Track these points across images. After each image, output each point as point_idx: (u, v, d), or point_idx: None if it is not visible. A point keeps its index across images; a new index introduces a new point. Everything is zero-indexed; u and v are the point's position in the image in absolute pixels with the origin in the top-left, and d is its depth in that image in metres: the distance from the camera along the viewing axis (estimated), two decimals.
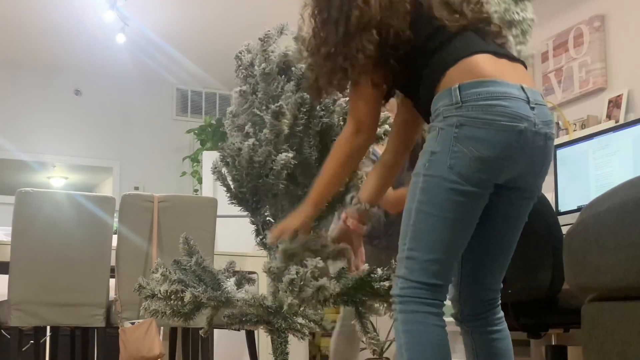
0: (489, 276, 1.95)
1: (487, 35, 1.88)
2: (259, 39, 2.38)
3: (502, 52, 1.84)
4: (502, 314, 1.98)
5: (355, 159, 2.04)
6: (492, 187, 1.78)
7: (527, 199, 1.90)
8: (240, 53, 2.43)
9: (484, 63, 1.76)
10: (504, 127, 1.71)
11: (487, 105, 1.71)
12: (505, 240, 1.94)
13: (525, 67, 1.91)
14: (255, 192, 2.35)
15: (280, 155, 2.26)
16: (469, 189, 1.73)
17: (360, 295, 2.40)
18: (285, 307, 2.12)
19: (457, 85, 1.73)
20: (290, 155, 2.25)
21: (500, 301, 1.98)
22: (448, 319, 4.05)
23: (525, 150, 1.75)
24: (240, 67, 2.42)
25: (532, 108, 1.75)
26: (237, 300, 2.32)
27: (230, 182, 2.38)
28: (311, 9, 1.95)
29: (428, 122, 1.85)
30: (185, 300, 2.25)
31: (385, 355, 4.76)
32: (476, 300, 1.95)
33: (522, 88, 1.76)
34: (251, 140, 2.28)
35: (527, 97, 1.75)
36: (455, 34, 1.82)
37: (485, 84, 1.73)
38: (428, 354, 1.76)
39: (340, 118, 2.37)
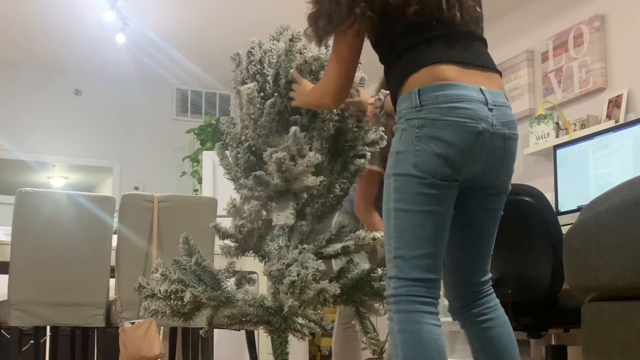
0: (470, 269, 1.98)
1: (471, 40, 1.92)
2: (290, 39, 2.37)
3: (470, 62, 1.87)
4: (494, 302, 2.00)
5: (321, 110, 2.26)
6: (456, 182, 1.84)
7: (493, 195, 1.96)
8: (253, 49, 2.41)
9: (445, 70, 1.82)
10: (463, 127, 1.78)
11: (445, 107, 1.78)
12: (480, 234, 1.98)
13: (500, 75, 1.97)
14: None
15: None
16: (436, 181, 1.80)
17: (360, 295, 2.40)
18: (285, 309, 2.12)
19: (417, 90, 1.81)
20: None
21: (491, 290, 2.01)
22: (448, 318, 4.05)
23: (484, 150, 1.81)
24: (252, 63, 2.40)
25: (491, 109, 1.81)
26: (237, 300, 2.32)
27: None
28: None
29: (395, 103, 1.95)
30: (185, 300, 2.25)
31: (385, 355, 4.76)
32: (462, 293, 2.00)
33: (481, 90, 1.82)
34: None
35: (486, 99, 1.81)
36: (427, 39, 1.87)
37: (444, 87, 1.80)
38: (423, 353, 1.79)
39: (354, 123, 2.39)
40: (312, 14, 1.98)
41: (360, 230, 2.30)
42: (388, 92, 2.18)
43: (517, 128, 1.91)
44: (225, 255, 2.36)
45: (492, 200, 1.96)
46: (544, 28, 4.18)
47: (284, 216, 2.18)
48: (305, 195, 2.29)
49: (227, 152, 2.49)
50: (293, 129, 2.25)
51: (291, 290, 2.08)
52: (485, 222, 1.97)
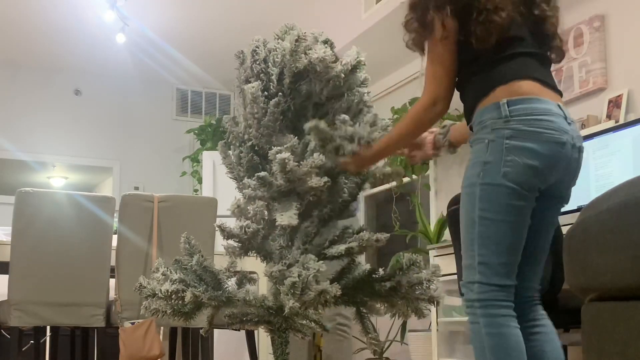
0: (528, 274, 2.07)
1: (547, 63, 2.08)
2: (296, 40, 2.36)
3: (546, 81, 2.01)
4: (543, 312, 2.09)
5: (426, 128, 2.17)
6: (538, 192, 1.95)
7: (559, 205, 2.07)
8: (258, 47, 2.40)
9: (531, 84, 1.96)
10: (549, 138, 1.91)
11: (533, 119, 1.90)
12: (541, 242, 2.08)
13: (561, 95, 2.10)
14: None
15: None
16: (524, 192, 1.91)
17: (361, 295, 2.39)
18: (286, 310, 2.12)
19: (505, 101, 1.92)
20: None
21: (539, 300, 2.11)
22: (449, 319, 4.06)
23: (565, 161, 1.95)
24: (257, 62, 2.39)
25: (569, 123, 1.96)
26: (238, 300, 2.32)
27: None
28: None
29: (467, 119, 2.06)
30: (186, 300, 2.25)
31: (385, 355, 4.76)
32: (517, 299, 2.04)
33: (559, 106, 1.97)
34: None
35: (564, 114, 1.96)
36: (522, 53, 2.00)
37: (530, 101, 1.92)
38: (512, 356, 1.90)
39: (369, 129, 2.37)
40: (409, 21, 2.11)
41: (364, 231, 2.30)
42: (452, 122, 2.32)
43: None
44: (230, 255, 2.35)
45: (556, 209, 2.08)
46: None
47: (287, 216, 2.18)
48: (309, 197, 2.29)
49: (229, 151, 2.48)
50: (314, 121, 2.24)
51: (292, 291, 2.08)
52: (546, 228, 2.07)
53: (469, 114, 2.05)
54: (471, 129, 2.05)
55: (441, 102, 2.03)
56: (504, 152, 1.89)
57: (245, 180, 2.30)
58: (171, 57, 6.67)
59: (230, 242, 2.33)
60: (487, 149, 1.92)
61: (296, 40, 2.35)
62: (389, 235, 2.31)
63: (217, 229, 2.29)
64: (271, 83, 2.38)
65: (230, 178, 2.48)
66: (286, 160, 2.15)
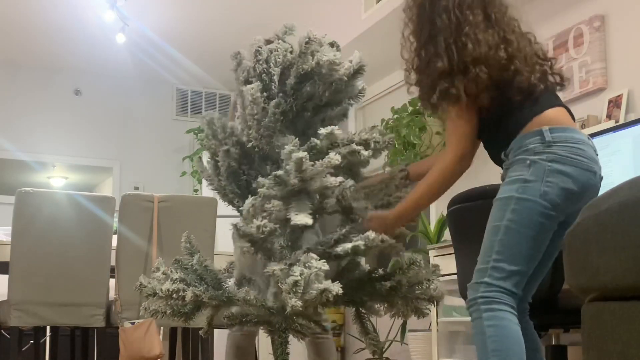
0: (526, 288, 2.17)
1: (556, 97, 2.24)
2: (306, 41, 2.36)
3: (572, 114, 2.21)
4: (531, 323, 2.29)
5: (450, 184, 2.25)
6: (563, 215, 2.08)
7: (567, 228, 2.09)
8: (260, 47, 2.40)
9: (564, 115, 2.14)
10: (586, 166, 2.05)
11: (572, 147, 2.05)
12: (545, 261, 2.20)
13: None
14: None
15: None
16: (554, 214, 2.04)
17: (361, 295, 2.39)
18: (288, 309, 2.11)
19: (547, 128, 2.06)
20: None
21: (528, 314, 2.28)
22: (449, 318, 4.05)
23: (594, 190, 2.08)
24: (259, 62, 2.39)
25: (597, 154, 2.12)
26: (238, 300, 2.31)
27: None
28: (414, 28, 2.32)
29: (495, 160, 2.23)
30: (186, 299, 2.25)
31: (385, 355, 4.76)
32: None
33: (589, 138, 2.13)
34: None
35: (592, 145, 2.12)
36: (540, 93, 2.16)
37: (569, 130, 2.08)
38: (511, 345, 1.98)
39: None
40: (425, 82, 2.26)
41: (370, 232, 2.29)
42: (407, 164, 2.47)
43: None
44: (241, 256, 2.34)
45: (564, 233, 2.09)
46: (544, 28, 4.18)
47: (302, 216, 2.18)
48: (318, 196, 2.28)
49: (205, 163, 2.49)
50: (330, 128, 2.25)
51: (294, 290, 2.08)
52: (552, 250, 2.18)
53: (503, 146, 2.16)
54: (499, 160, 2.19)
55: (468, 157, 2.19)
56: (546, 173, 2.02)
57: (260, 179, 2.29)
58: (171, 57, 6.66)
59: (244, 242, 2.31)
60: (530, 168, 2.04)
61: (306, 42, 2.35)
62: (394, 240, 2.31)
63: (232, 228, 2.27)
64: (272, 83, 2.37)
65: (212, 190, 2.49)
66: (303, 160, 2.15)
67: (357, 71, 2.44)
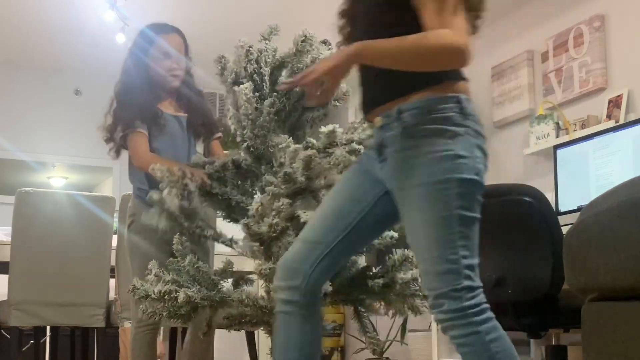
0: (328, 272, 1.91)
1: None
2: (302, 40, 2.36)
3: None
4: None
5: (439, 66, 1.73)
6: None
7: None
8: (251, 47, 2.41)
9: (466, 86, 1.80)
10: (484, 142, 1.76)
11: (478, 122, 1.76)
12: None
13: None
14: None
15: None
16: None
17: (357, 293, 2.39)
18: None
19: (464, 97, 1.75)
20: None
21: None
22: None
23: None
24: (250, 62, 2.40)
25: None
26: (233, 301, 2.31)
27: None
28: None
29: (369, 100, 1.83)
30: (179, 300, 2.25)
31: (385, 355, 4.76)
32: None
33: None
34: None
35: None
36: None
37: (472, 103, 1.78)
38: (515, 355, 1.72)
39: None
40: None
41: None
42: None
43: None
44: (251, 257, 2.34)
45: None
46: (544, 28, 4.18)
47: (312, 213, 2.17)
48: (322, 194, 2.29)
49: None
50: (332, 126, 2.25)
51: None
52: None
53: (395, 91, 1.77)
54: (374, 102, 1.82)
55: (470, 52, 1.69)
56: (474, 149, 1.72)
57: (268, 177, 2.29)
58: None
59: (250, 243, 2.30)
60: (455, 141, 1.70)
61: (302, 41, 2.36)
62: (396, 234, 2.32)
63: (241, 228, 2.27)
64: (264, 83, 2.38)
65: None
66: (312, 157, 2.15)
67: None
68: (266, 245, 2.26)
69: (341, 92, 2.49)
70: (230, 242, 2.42)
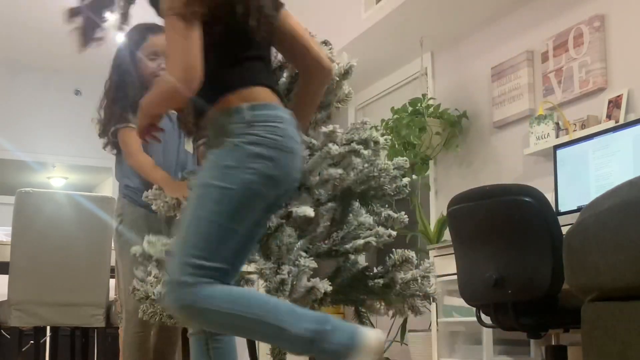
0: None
1: (269, 63, 2.01)
2: None
3: (275, 88, 1.96)
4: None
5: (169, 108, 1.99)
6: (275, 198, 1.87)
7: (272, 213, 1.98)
8: None
9: (267, 91, 1.90)
10: (285, 148, 1.84)
11: (271, 127, 1.83)
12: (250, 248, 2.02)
13: None
14: None
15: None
16: (258, 202, 1.82)
17: (357, 293, 2.39)
18: None
19: (249, 105, 1.84)
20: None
21: None
22: (449, 319, 4.05)
23: (296, 170, 1.88)
24: None
25: (297, 130, 1.90)
26: None
27: None
28: None
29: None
30: None
31: (385, 355, 4.76)
32: None
33: (290, 113, 1.91)
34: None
35: (294, 122, 1.90)
36: (256, 57, 1.93)
37: (268, 107, 1.86)
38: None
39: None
40: None
41: (379, 226, 2.31)
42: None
43: None
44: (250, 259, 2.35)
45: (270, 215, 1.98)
46: (544, 28, 4.18)
47: (305, 208, 2.17)
48: (317, 191, 2.29)
49: None
50: (332, 126, 2.26)
51: (281, 288, 2.08)
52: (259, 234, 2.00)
53: (202, 107, 1.92)
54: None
55: (198, 79, 1.81)
56: (247, 160, 1.81)
57: None
58: None
59: None
60: (230, 152, 1.82)
61: None
62: (395, 232, 2.32)
63: None
64: None
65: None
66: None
67: (347, 72, 2.45)
68: (263, 243, 2.26)
69: (344, 94, 2.49)
70: None
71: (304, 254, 2.17)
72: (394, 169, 2.48)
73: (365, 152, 2.29)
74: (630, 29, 3.69)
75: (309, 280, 2.11)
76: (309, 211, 2.17)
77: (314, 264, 2.13)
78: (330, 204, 2.37)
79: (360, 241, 2.26)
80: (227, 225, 1.78)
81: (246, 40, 1.90)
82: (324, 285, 2.10)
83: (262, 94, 1.88)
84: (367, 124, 2.50)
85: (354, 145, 2.28)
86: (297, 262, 2.13)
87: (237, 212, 1.79)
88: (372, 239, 2.25)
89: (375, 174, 2.42)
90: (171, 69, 1.82)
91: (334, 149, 2.21)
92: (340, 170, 2.24)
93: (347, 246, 2.27)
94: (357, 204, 2.45)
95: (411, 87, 5.23)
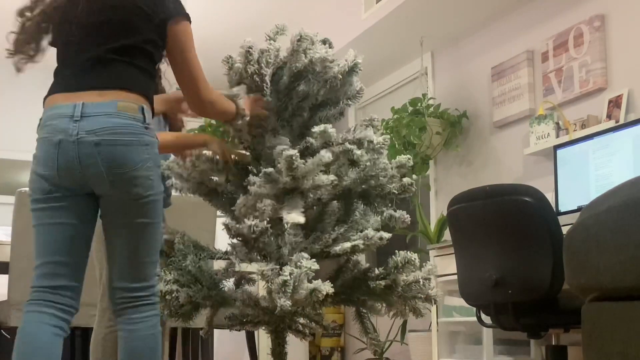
0: (116, 274, 2.17)
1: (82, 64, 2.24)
2: (298, 39, 2.37)
3: (76, 88, 2.14)
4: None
5: None
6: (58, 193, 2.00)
7: (115, 202, 2.03)
8: (251, 48, 2.41)
9: (51, 98, 2.19)
10: (46, 140, 2.01)
11: (40, 127, 2.07)
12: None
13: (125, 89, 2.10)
14: None
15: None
16: (40, 197, 2.02)
17: (358, 294, 2.39)
18: (277, 309, 2.11)
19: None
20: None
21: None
22: (449, 319, 4.05)
23: (67, 156, 1.98)
24: (250, 62, 2.40)
25: (76, 121, 1.99)
26: (234, 300, 2.31)
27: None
28: None
29: None
30: (180, 300, 2.25)
31: (385, 355, 4.76)
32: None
33: (74, 106, 2.03)
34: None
35: (73, 114, 2.01)
36: (63, 67, 2.30)
37: (47, 110, 2.12)
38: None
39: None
40: None
41: (369, 229, 2.29)
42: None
43: (118, 134, 1.99)
44: (232, 259, 2.35)
45: (121, 207, 2.03)
46: (544, 28, 4.18)
47: (295, 214, 2.17)
48: (311, 195, 2.29)
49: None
50: (323, 126, 2.25)
51: (283, 289, 2.08)
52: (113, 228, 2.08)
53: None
54: None
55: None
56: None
57: (251, 177, 2.29)
58: None
59: (235, 241, 2.32)
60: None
61: (298, 40, 2.35)
62: (391, 234, 2.31)
63: (223, 228, 2.27)
64: (264, 84, 2.38)
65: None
66: (293, 158, 2.15)
67: (352, 69, 2.44)
68: (249, 245, 2.26)
69: (355, 91, 2.48)
70: (224, 255, 2.44)
71: (306, 255, 2.17)
72: (394, 168, 2.47)
73: (358, 152, 2.28)
74: (630, 29, 3.69)
75: (310, 281, 2.10)
76: (299, 218, 2.17)
77: (316, 266, 2.12)
78: (334, 203, 2.37)
79: (348, 244, 2.25)
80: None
81: None
82: (326, 287, 2.10)
83: (49, 101, 2.23)
84: (376, 120, 2.49)
85: (346, 145, 2.28)
86: (299, 263, 2.13)
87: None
88: (359, 242, 2.24)
89: (373, 173, 2.41)
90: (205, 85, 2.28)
91: (327, 156, 2.20)
92: (332, 177, 2.23)
93: (337, 248, 2.26)
94: (361, 204, 2.45)
95: (411, 87, 5.23)
